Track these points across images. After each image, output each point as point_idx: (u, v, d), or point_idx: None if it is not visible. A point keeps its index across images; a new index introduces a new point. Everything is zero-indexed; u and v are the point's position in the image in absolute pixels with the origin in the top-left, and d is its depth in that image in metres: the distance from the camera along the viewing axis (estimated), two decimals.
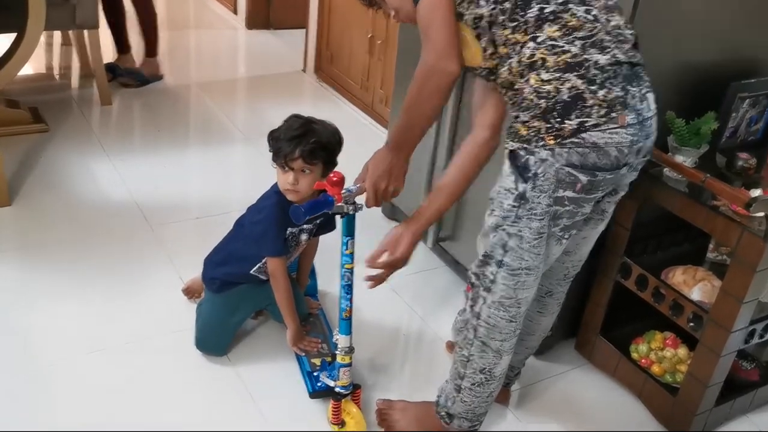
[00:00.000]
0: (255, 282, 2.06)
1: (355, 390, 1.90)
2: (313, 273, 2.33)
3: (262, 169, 2.83)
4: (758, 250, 1.74)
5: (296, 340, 2.06)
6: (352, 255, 1.79)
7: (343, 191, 1.73)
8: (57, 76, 4.00)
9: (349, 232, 1.77)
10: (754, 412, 2.17)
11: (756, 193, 1.83)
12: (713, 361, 1.88)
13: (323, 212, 1.75)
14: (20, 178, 2.86)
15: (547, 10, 1.49)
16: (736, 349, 1.90)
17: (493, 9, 1.52)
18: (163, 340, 2.17)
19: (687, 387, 1.97)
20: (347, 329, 1.84)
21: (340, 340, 1.85)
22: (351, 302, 1.83)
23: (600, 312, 2.18)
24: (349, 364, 1.86)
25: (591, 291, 2.19)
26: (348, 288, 1.81)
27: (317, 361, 2.04)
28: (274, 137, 1.92)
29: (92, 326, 2.19)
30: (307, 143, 1.85)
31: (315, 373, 1.99)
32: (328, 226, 2.09)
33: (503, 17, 1.51)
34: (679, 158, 1.94)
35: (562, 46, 1.48)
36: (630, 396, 2.15)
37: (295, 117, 1.95)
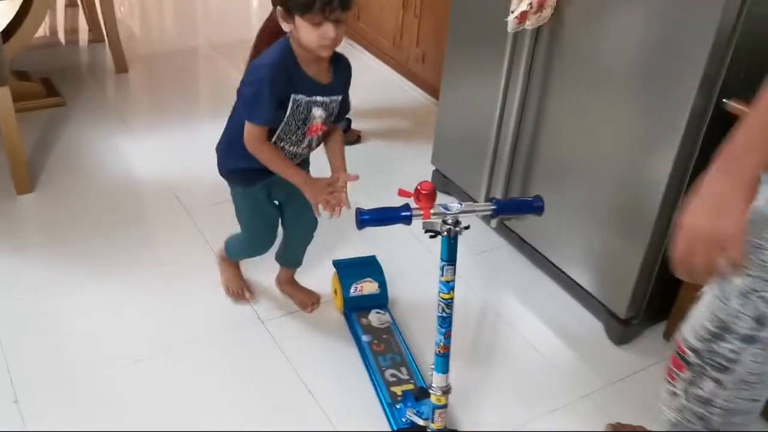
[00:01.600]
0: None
1: None
2: (381, 273, 2.09)
3: None
4: None
5: (315, 192, 1.71)
6: (450, 283, 1.53)
7: (435, 209, 1.48)
8: (63, 41, 3.72)
9: (449, 256, 1.51)
10: None
11: None
12: None
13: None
14: (40, 161, 2.63)
15: None
16: None
17: None
18: (217, 338, 1.98)
19: None
20: (444, 367, 1.60)
21: (436, 378, 1.61)
22: (448, 337, 1.58)
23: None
24: (445, 406, 1.62)
25: None
26: (443, 320, 1.57)
27: (398, 390, 1.81)
28: None
29: (135, 325, 1.99)
30: None
31: (398, 406, 1.76)
32: (342, 112, 1.82)
33: None
34: None
35: None
36: None
37: None
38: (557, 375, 1.99)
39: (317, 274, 2.18)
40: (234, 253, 2.09)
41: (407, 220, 1.49)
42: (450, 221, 1.50)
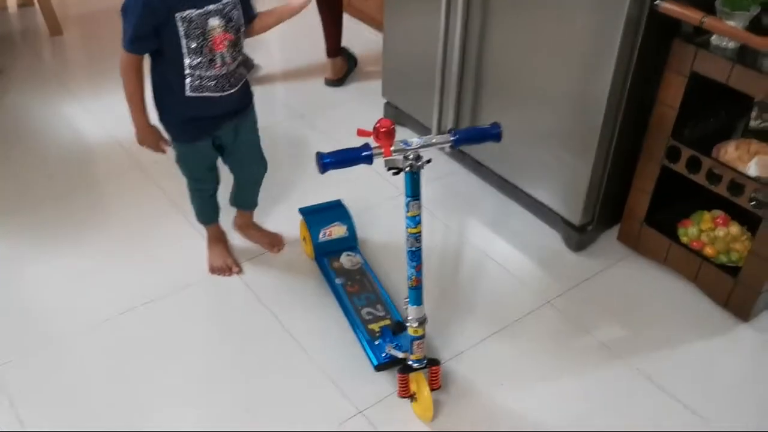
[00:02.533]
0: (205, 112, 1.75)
1: (431, 365, 1.69)
2: (348, 217, 2.10)
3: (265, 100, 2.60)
4: None
5: (143, 136, 1.79)
6: (416, 218, 1.55)
7: (399, 144, 1.47)
8: None
9: (413, 191, 1.52)
10: None
11: None
12: None
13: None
14: None
15: None
16: None
17: None
18: (192, 290, 2.01)
19: (749, 265, 1.89)
20: (417, 299, 1.63)
21: (411, 311, 1.64)
22: (419, 270, 1.60)
23: (645, 199, 2.06)
24: (423, 336, 1.65)
25: (634, 177, 2.06)
26: (413, 254, 1.59)
27: (376, 327, 1.84)
28: None
29: (105, 287, 2.01)
30: None
31: (377, 343, 1.80)
32: (248, 9, 1.76)
33: None
34: (729, 23, 1.76)
35: None
36: (683, 282, 2.07)
37: None
38: (522, 287, 2.07)
39: (284, 223, 2.21)
40: (197, 212, 2.07)
41: (369, 160, 1.47)
42: (411, 157, 1.49)
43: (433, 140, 1.52)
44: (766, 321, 1.97)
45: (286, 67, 3.16)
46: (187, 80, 1.69)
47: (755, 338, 1.93)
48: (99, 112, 2.72)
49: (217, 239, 2.11)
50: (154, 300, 1.97)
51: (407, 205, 1.54)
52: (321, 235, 2.06)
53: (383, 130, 1.43)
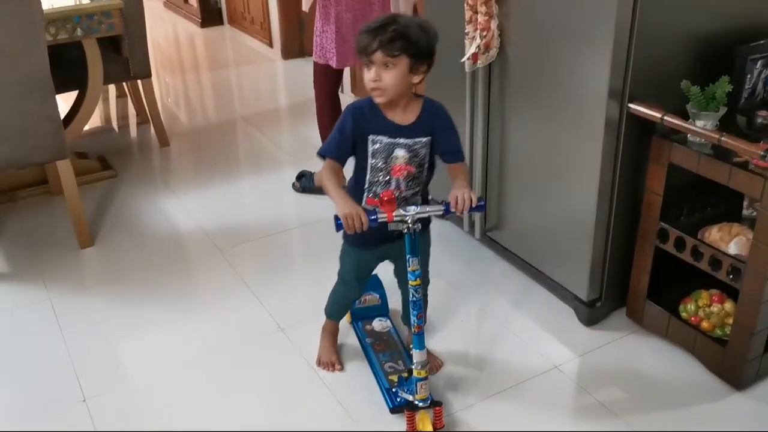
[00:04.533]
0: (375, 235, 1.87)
1: (434, 406, 1.94)
2: (381, 288, 2.40)
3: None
4: None
5: (342, 206, 1.78)
6: (415, 272, 1.86)
7: (396, 213, 1.79)
8: (116, 127, 4.32)
9: (413, 250, 1.84)
10: None
11: None
12: (756, 308, 1.98)
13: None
14: (98, 222, 3.15)
15: None
16: None
17: None
18: (249, 348, 2.39)
19: (735, 336, 2.08)
20: (420, 344, 1.90)
21: (415, 355, 1.91)
22: (420, 318, 1.89)
23: (645, 277, 2.30)
24: (425, 378, 1.92)
25: (634, 257, 2.31)
26: (414, 304, 1.89)
27: (394, 378, 2.12)
28: (359, 32, 1.79)
29: (178, 345, 2.42)
30: (386, 32, 1.74)
31: (394, 390, 2.08)
32: (448, 153, 1.93)
33: None
34: (699, 123, 2.06)
35: None
36: (683, 353, 2.26)
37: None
38: (534, 353, 2.31)
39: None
40: (330, 309, 2.26)
41: (375, 222, 1.80)
42: (410, 221, 1.84)
43: (426, 209, 1.85)
44: (758, 390, 2.12)
45: None
46: (365, 195, 1.93)
47: (745, 406, 2.08)
48: (191, 206, 3.27)
49: (331, 333, 2.30)
50: (211, 354, 2.36)
51: (408, 261, 1.87)
52: (357, 303, 2.39)
53: (386, 199, 1.79)
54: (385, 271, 2.36)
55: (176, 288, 2.71)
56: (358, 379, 2.22)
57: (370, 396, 2.14)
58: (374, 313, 2.43)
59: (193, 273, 2.83)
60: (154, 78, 3.82)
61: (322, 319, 2.29)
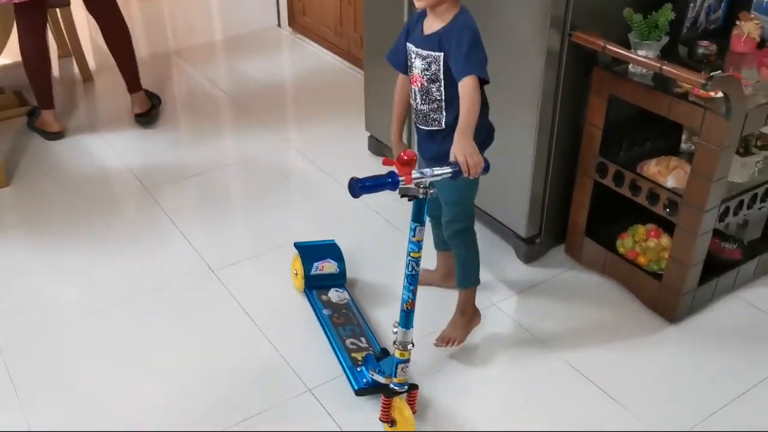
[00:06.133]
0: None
1: (411, 390, 1.78)
2: (340, 255, 2.23)
3: (250, 127, 2.93)
4: (721, 129, 1.82)
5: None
6: (419, 243, 1.65)
7: (416, 173, 1.56)
8: None
9: (418, 217, 1.63)
10: (741, 289, 2.27)
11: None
12: (691, 241, 1.98)
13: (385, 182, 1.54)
14: (14, 160, 2.95)
15: None
16: (711, 228, 2.00)
17: None
18: (178, 291, 2.28)
19: (670, 270, 2.08)
20: (408, 323, 1.72)
21: (400, 333, 1.72)
22: (414, 294, 1.70)
23: (583, 212, 2.27)
24: (408, 360, 1.73)
25: (573, 192, 2.28)
26: (412, 278, 1.68)
27: (358, 356, 1.93)
28: None
29: (103, 286, 2.30)
30: None
31: (358, 369, 1.89)
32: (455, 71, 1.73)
33: None
34: (641, 52, 2.00)
35: None
36: (620, 288, 2.26)
37: None
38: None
39: (278, 258, 2.39)
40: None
41: (395, 186, 1.55)
42: (422, 185, 1.58)
43: (441, 170, 1.61)
44: (691, 323, 2.14)
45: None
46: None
47: (677, 338, 2.10)
48: (117, 146, 3.09)
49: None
50: (137, 297, 2.25)
51: (413, 230, 1.64)
52: (313, 269, 2.20)
53: (406, 158, 1.53)
54: (345, 240, 2.24)
55: (100, 230, 2.56)
56: (314, 353, 2.03)
57: (329, 372, 1.96)
58: (330, 281, 2.23)
59: (118, 214, 2.69)
60: (74, 7, 3.55)
61: (254, 258, 2.17)
